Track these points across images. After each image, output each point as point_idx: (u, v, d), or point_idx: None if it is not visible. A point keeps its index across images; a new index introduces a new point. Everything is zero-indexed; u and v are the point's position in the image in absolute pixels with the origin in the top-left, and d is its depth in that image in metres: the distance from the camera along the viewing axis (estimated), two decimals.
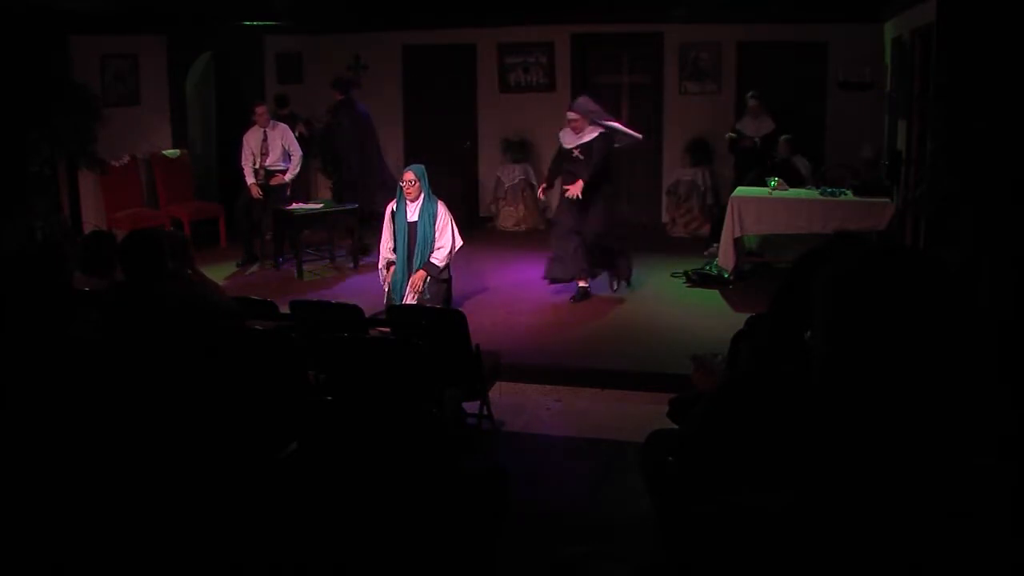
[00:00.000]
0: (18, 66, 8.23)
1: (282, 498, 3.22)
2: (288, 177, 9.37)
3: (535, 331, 7.12)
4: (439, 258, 6.84)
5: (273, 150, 9.25)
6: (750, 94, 9.72)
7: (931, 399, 1.25)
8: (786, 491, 1.26)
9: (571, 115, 7.65)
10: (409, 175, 6.91)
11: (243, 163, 9.27)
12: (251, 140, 9.23)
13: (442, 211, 6.89)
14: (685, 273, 8.60)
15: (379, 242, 7.12)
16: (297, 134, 10.12)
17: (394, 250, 6.98)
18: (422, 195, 6.86)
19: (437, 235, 6.85)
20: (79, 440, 3.20)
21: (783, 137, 9.37)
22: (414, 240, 6.88)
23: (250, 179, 9.21)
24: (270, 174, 9.26)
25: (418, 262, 6.86)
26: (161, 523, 2.98)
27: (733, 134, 9.76)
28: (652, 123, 11.05)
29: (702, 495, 1.43)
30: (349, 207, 9.48)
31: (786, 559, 1.22)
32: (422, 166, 7.04)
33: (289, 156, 9.35)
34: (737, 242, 8.21)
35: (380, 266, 7.11)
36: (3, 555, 2.87)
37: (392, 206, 7.03)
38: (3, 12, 7.92)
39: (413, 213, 6.93)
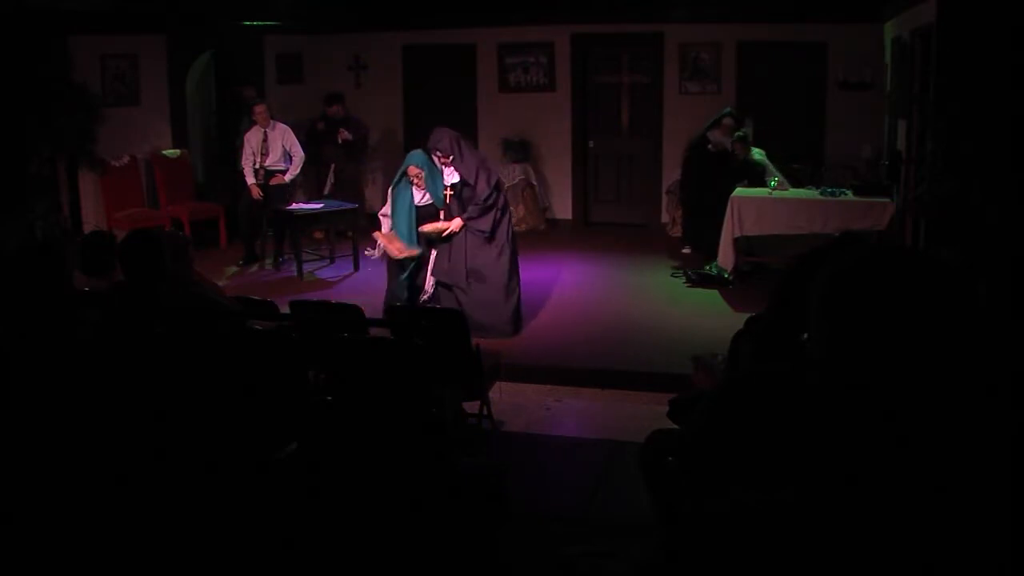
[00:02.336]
0: (18, 66, 8.23)
1: (282, 498, 3.22)
2: (288, 178, 9.37)
3: (535, 331, 7.12)
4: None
5: (273, 150, 9.24)
6: (728, 111, 9.46)
7: (930, 399, 1.25)
8: (786, 491, 1.26)
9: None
10: (414, 169, 6.79)
11: (243, 163, 9.27)
12: (252, 140, 9.23)
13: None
14: (685, 273, 8.61)
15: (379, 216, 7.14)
16: (358, 138, 10.23)
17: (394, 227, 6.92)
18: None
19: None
20: (79, 440, 3.20)
21: (736, 136, 8.90)
22: (421, 221, 6.90)
23: (250, 179, 9.20)
24: (270, 174, 9.26)
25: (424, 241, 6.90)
26: (161, 523, 2.98)
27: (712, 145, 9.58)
28: (652, 123, 11.06)
29: (702, 495, 1.43)
30: (349, 207, 9.49)
31: (786, 558, 1.22)
32: (421, 152, 6.88)
33: (290, 157, 9.35)
34: (737, 242, 8.21)
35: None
36: (3, 555, 2.87)
37: (391, 191, 6.96)
38: (3, 12, 7.91)
39: (420, 199, 6.90)
